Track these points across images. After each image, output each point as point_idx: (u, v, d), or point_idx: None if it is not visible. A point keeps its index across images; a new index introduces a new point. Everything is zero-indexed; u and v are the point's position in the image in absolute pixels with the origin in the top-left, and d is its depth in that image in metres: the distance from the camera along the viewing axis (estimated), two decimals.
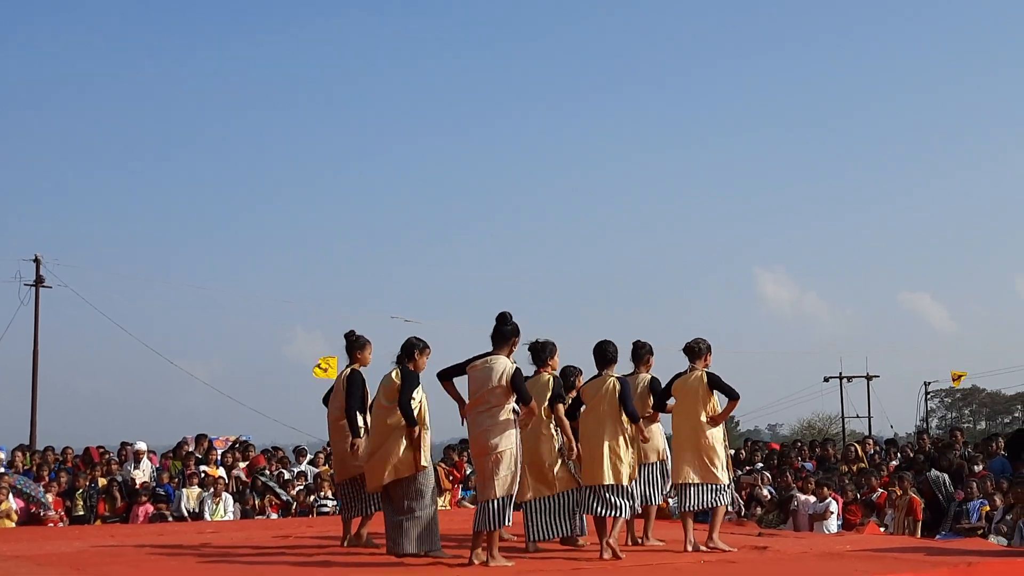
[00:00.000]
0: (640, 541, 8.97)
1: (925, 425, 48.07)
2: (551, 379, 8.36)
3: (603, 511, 8.02)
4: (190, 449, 16.35)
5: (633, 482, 8.14)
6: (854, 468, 14.81)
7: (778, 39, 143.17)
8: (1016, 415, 72.07)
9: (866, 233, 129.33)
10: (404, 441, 7.93)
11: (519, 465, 7.54)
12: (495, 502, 7.39)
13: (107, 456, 15.94)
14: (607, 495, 8.02)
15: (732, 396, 8.57)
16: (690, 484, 8.52)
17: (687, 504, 8.56)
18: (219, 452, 16.23)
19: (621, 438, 8.06)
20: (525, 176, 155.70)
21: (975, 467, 13.72)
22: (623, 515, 8.06)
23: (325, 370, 19.03)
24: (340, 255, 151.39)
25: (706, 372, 8.62)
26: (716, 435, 8.53)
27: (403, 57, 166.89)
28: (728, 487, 8.65)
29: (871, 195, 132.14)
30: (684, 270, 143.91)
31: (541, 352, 8.51)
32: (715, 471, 8.46)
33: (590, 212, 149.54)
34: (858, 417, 50.30)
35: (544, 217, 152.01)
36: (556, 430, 8.25)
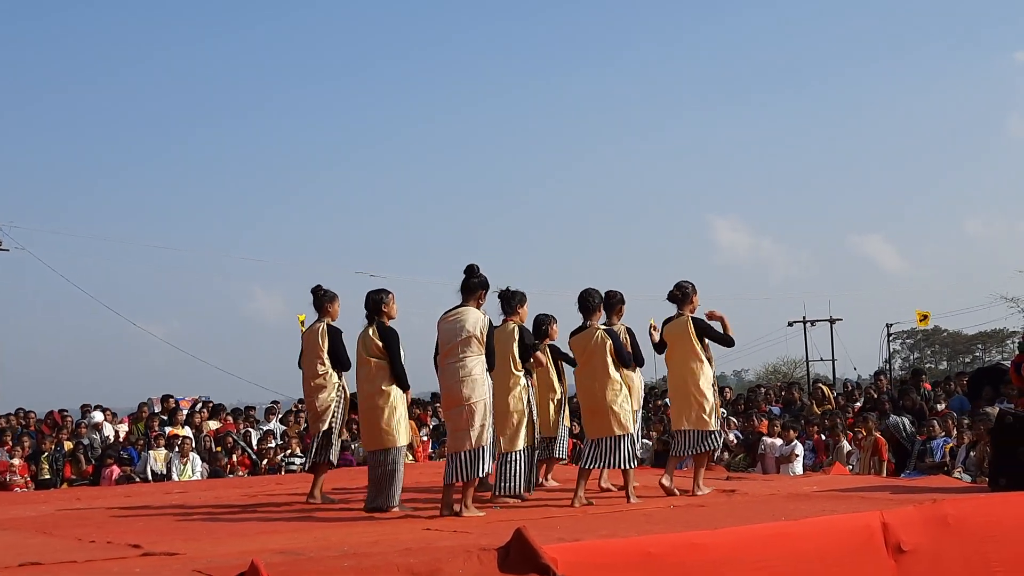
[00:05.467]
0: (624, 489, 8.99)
1: (888, 367, 48.63)
2: (516, 328, 8.32)
3: (617, 464, 7.98)
4: (155, 410, 16.23)
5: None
6: (820, 411, 15.00)
7: None
8: (977, 355, 73.11)
9: (814, 174, 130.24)
10: (391, 407, 7.86)
11: (492, 416, 7.48)
12: (469, 453, 7.35)
13: (69, 419, 15.79)
14: (621, 448, 7.96)
15: (727, 343, 8.61)
16: (683, 431, 8.58)
17: (678, 449, 8.63)
18: (184, 412, 16.12)
19: (617, 388, 8.01)
20: (485, 129, 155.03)
21: (937, 406, 13.94)
22: (632, 466, 8.05)
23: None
24: (299, 212, 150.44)
25: (692, 319, 8.62)
26: (705, 381, 8.53)
27: None
28: (718, 433, 8.67)
29: (815, 135, 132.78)
30: (640, 221, 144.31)
31: (511, 300, 8.47)
32: (705, 417, 8.49)
33: (546, 165, 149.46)
34: (822, 360, 50.78)
35: (502, 170, 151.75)
36: (524, 382, 8.22)
